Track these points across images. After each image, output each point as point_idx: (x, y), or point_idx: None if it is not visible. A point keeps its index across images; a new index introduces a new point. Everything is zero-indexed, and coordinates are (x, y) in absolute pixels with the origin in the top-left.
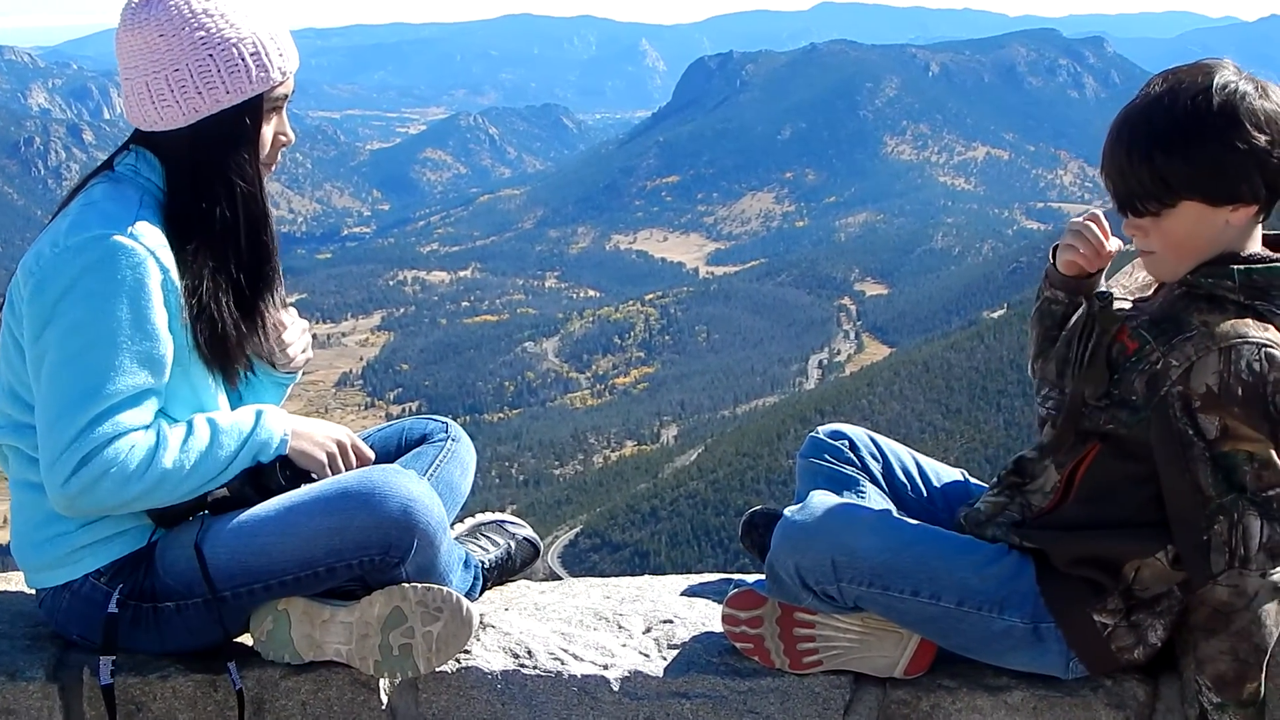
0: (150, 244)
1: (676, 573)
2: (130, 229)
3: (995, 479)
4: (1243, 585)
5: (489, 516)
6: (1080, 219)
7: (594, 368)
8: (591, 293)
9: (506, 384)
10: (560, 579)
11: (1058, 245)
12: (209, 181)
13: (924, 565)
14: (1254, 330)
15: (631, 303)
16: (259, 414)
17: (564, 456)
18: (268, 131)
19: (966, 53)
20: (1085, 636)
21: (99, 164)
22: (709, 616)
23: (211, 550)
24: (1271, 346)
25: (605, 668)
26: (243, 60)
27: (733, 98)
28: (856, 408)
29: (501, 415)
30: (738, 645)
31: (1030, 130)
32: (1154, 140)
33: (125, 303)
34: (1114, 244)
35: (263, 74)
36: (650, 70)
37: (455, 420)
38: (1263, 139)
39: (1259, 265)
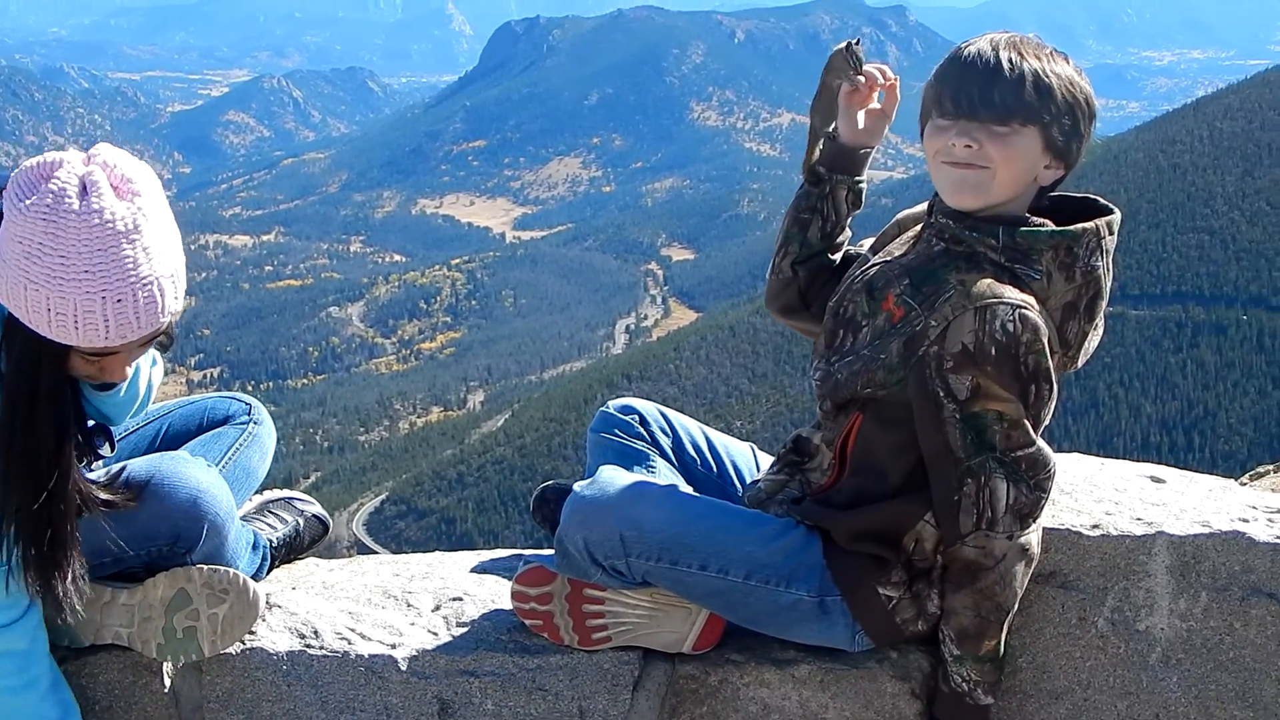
0: None
1: (483, 539)
2: None
3: (775, 457)
4: (989, 546)
5: (278, 494)
6: None
7: (400, 333)
8: (397, 257)
9: (311, 349)
10: (370, 548)
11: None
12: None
13: (711, 539)
14: (1010, 291)
15: (438, 267)
16: None
17: (369, 423)
18: (79, 362)
19: (772, 20)
20: (870, 609)
21: None
22: (499, 594)
23: None
24: (1025, 308)
25: (393, 647)
26: (49, 313)
27: (540, 63)
28: (664, 372)
29: (306, 381)
30: (527, 622)
31: None
32: (1045, 62)
33: None
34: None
35: (63, 333)
36: (457, 34)
37: (259, 385)
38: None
39: (1024, 229)
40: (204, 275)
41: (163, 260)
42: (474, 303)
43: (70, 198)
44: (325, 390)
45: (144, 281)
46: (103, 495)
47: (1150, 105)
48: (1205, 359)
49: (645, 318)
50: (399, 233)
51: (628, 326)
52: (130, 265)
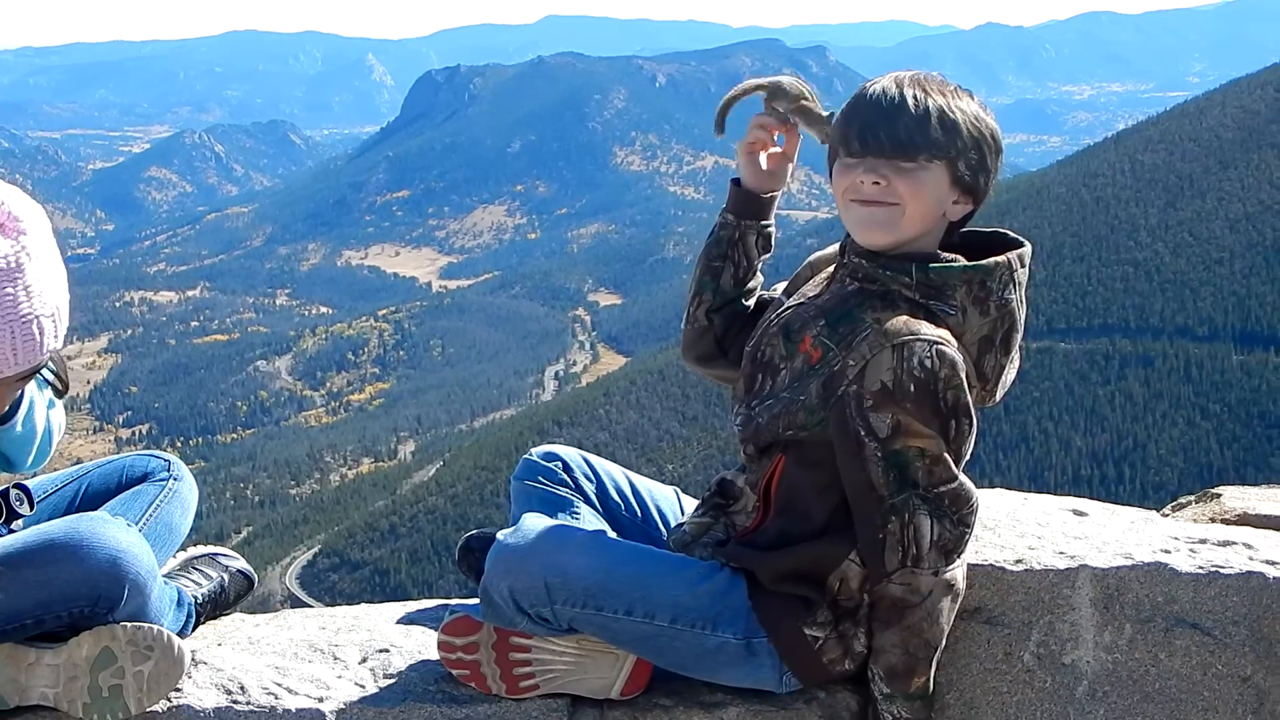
0: None
1: (417, 589)
2: None
3: (700, 500)
4: (915, 583)
5: (202, 550)
6: None
7: (328, 385)
8: (324, 309)
9: (239, 404)
10: (304, 601)
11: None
12: None
13: (636, 584)
14: (926, 328)
15: (364, 318)
16: None
17: (300, 476)
18: None
19: (693, 63)
20: (797, 650)
21: None
22: (425, 644)
23: None
24: (942, 344)
25: (320, 700)
26: None
27: (461, 111)
28: (594, 418)
29: (235, 436)
30: (454, 672)
31: None
32: (949, 98)
33: None
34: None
35: None
36: (378, 85)
37: (189, 441)
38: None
39: (936, 265)
40: (129, 332)
41: (44, 299)
42: (402, 353)
43: None
44: (255, 444)
45: (23, 319)
46: None
47: (1071, 139)
48: (1133, 391)
49: (574, 364)
50: (325, 285)
51: (557, 373)
52: (9, 303)
